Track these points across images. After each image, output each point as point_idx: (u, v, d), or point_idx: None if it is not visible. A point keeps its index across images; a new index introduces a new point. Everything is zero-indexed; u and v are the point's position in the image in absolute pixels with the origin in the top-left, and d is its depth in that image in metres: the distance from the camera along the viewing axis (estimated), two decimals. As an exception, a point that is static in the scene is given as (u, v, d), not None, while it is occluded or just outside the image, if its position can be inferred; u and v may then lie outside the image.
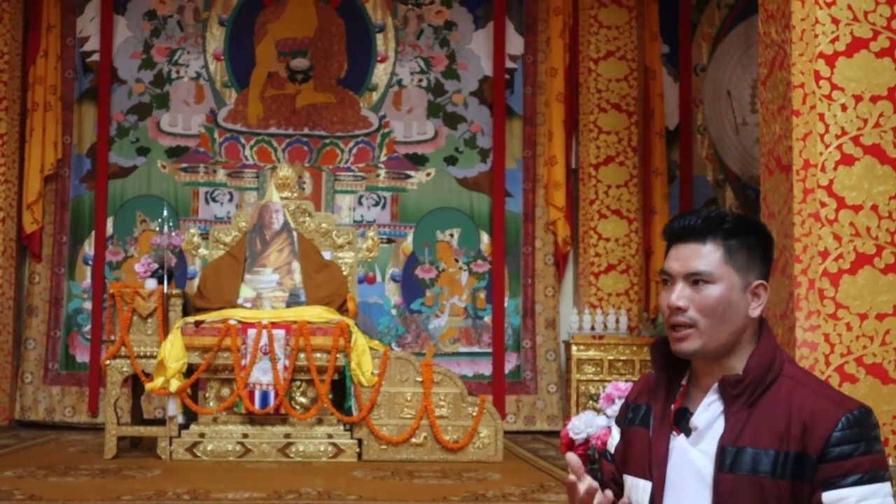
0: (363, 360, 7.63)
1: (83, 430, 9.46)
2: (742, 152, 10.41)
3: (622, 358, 9.40)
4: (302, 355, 7.57)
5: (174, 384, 7.45)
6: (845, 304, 5.09)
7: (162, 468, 7.07)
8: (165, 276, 7.92)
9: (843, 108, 5.16)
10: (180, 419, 7.65)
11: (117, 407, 7.67)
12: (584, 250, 10.08)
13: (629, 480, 2.15)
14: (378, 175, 10.35)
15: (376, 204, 10.31)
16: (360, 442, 7.62)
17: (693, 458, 2.04)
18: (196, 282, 9.00)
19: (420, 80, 10.50)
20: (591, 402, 8.86)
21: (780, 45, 5.37)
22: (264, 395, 7.52)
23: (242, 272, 8.20)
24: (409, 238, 10.28)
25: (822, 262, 5.10)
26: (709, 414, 2.05)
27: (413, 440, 7.61)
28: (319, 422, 7.67)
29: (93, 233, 10.06)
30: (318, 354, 7.59)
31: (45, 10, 10.07)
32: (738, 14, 10.44)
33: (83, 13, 10.31)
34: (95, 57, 10.27)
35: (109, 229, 10.12)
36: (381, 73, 10.51)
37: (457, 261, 10.29)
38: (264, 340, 7.52)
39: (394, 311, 10.18)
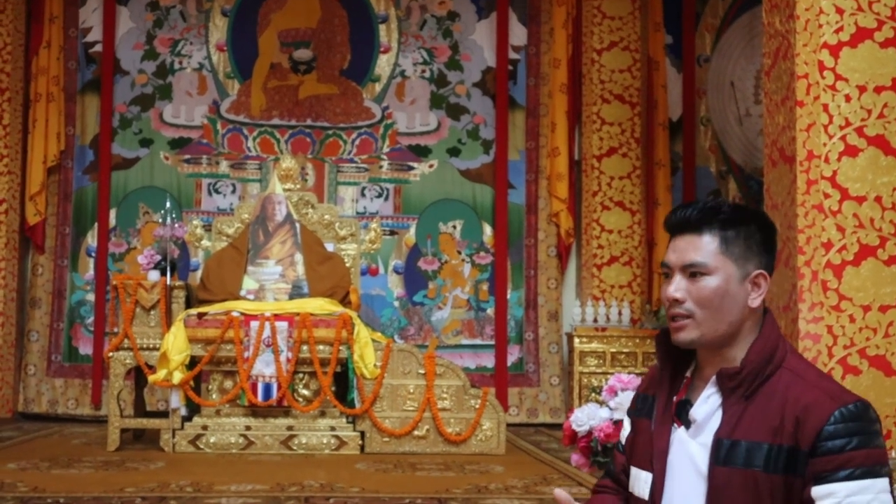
0: (366, 353, 7.62)
1: (86, 423, 9.47)
2: (745, 143, 10.39)
3: (625, 350, 9.39)
4: (305, 347, 7.56)
5: (177, 376, 7.45)
6: (848, 295, 5.07)
7: (165, 460, 7.07)
8: (168, 268, 7.91)
9: (847, 98, 5.14)
10: (183, 411, 7.65)
11: (120, 399, 7.68)
12: (586, 242, 10.06)
13: (633, 472, 2.16)
14: (381, 166, 10.34)
15: (379, 195, 10.30)
16: (362, 434, 7.62)
17: (691, 450, 2.04)
18: (199, 274, 9.00)
19: (423, 71, 10.48)
20: (593, 394, 8.86)
21: (784, 35, 5.34)
22: (267, 388, 7.52)
23: (245, 264, 8.19)
24: (412, 230, 10.27)
25: (826, 254, 5.08)
26: (707, 406, 2.04)
27: (416, 433, 7.61)
28: (322, 414, 7.67)
29: (96, 224, 10.06)
30: (321, 347, 7.59)
31: (47, 0, 10.06)
32: (742, 5, 10.41)
33: (86, 4, 10.30)
34: (98, 48, 10.26)
35: (112, 221, 10.11)
36: (383, 64, 10.48)
37: (459, 253, 10.27)
38: (267, 332, 7.52)
39: (396, 304, 10.18)
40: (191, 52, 10.40)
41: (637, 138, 10.09)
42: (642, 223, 10.02)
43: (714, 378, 2.05)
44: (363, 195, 10.29)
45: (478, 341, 10.12)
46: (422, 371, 7.69)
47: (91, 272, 10.04)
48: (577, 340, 9.43)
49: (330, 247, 8.45)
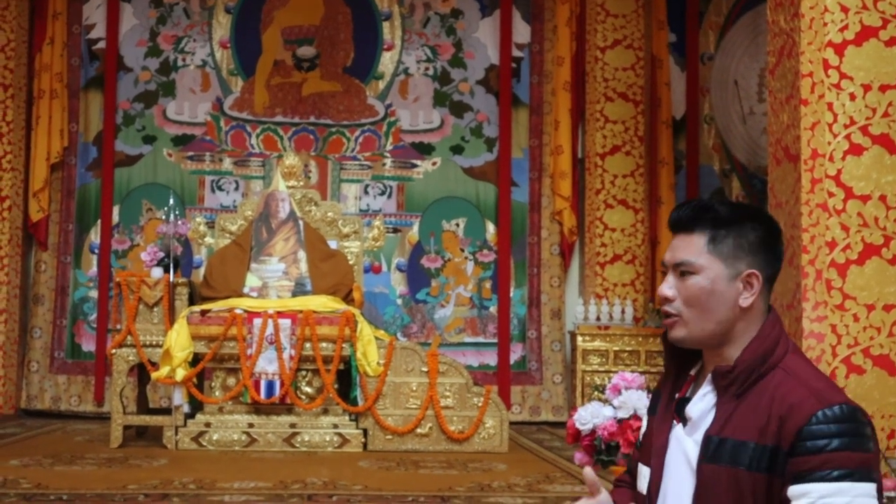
0: (369, 350, 7.62)
1: (89, 419, 9.47)
2: (749, 142, 10.37)
3: (627, 348, 9.39)
4: (307, 345, 7.56)
5: (180, 373, 7.46)
6: (853, 294, 5.07)
7: (168, 457, 7.08)
8: (171, 265, 7.92)
9: (852, 97, 5.13)
10: (186, 408, 7.65)
11: (123, 396, 7.68)
12: (589, 240, 10.05)
13: (640, 468, 2.18)
14: (384, 164, 10.33)
15: (382, 193, 10.29)
16: (365, 432, 7.62)
17: (686, 447, 2.06)
18: (202, 271, 9.00)
19: (426, 69, 10.47)
20: (596, 392, 8.86)
21: (789, 33, 5.34)
22: (270, 385, 7.52)
23: (248, 261, 8.19)
24: (415, 227, 10.26)
25: (830, 253, 5.08)
26: (703, 404, 2.06)
27: (418, 430, 7.61)
28: (325, 412, 7.67)
29: (99, 221, 10.06)
30: (324, 344, 7.59)
31: (51, -3, 10.07)
32: (746, 3, 10.39)
33: (89, 0, 10.29)
34: (101, 44, 10.26)
35: (115, 218, 10.11)
36: (387, 62, 10.48)
37: (462, 250, 10.27)
38: (270, 330, 7.52)
39: (399, 301, 10.17)
40: (194, 48, 10.39)
41: (640, 136, 10.08)
42: (645, 221, 10.01)
43: (710, 376, 2.07)
44: (366, 192, 10.28)
45: (480, 339, 10.12)
46: (425, 369, 7.68)
47: (94, 269, 10.04)
48: (579, 339, 9.42)
49: (333, 244, 8.45)
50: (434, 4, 10.53)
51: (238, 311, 7.62)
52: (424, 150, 10.36)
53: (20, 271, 9.89)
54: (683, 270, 2.06)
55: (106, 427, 7.97)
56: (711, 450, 1.98)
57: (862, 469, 1.88)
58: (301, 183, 8.72)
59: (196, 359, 7.61)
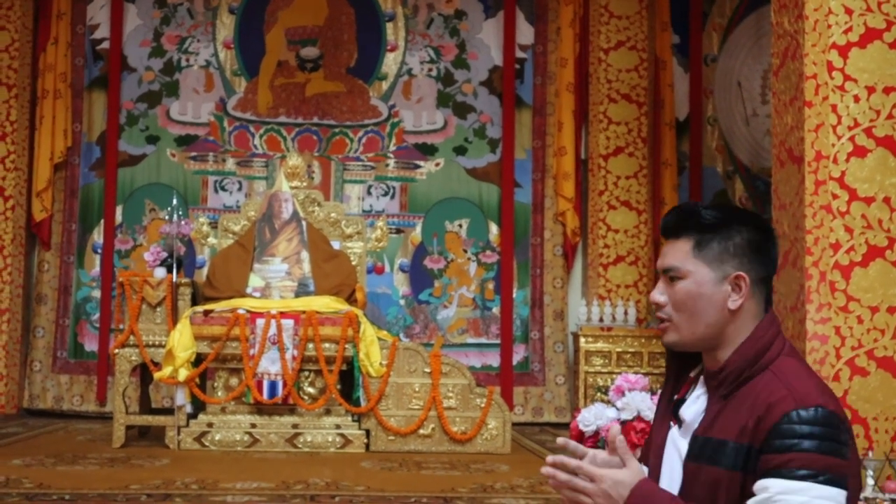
0: (371, 351, 7.62)
1: (91, 419, 9.47)
2: (752, 143, 10.37)
3: (630, 350, 9.38)
4: (310, 345, 7.56)
5: (182, 373, 7.46)
6: (856, 296, 5.06)
7: (170, 457, 7.08)
8: (174, 265, 7.92)
9: (856, 99, 5.13)
10: (188, 409, 7.65)
11: (125, 396, 7.68)
12: (592, 241, 10.04)
13: (643, 469, 2.18)
14: (387, 165, 10.33)
15: (385, 194, 10.29)
16: (367, 432, 7.62)
17: (681, 448, 2.09)
18: (205, 271, 9.01)
19: (430, 70, 10.46)
20: (598, 394, 8.85)
21: (793, 35, 5.33)
22: (272, 385, 7.52)
23: (251, 261, 8.20)
24: (418, 228, 10.26)
25: (834, 255, 5.07)
26: (696, 406, 2.09)
27: (421, 431, 7.61)
28: (327, 412, 7.67)
29: (102, 221, 10.06)
30: (327, 345, 7.58)
31: (55, -3, 10.08)
32: (749, 4, 10.39)
33: (93, 1, 10.29)
34: (105, 44, 10.26)
35: (118, 218, 10.11)
36: (390, 63, 10.48)
37: (465, 251, 10.26)
38: (273, 330, 7.52)
39: (402, 302, 10.17)
40: (198, 49, 10.39)
41: (644, 138, 10.08)
42: (648, 223, 10.00)
43: (702, 379, 2.10)
44: (369, 193, 10.28)
45: (483, 340, 10.12)
46: (427, 370, 7.68)
47: (97, 269, 10.04)
48: (582, 340, 9.41)
49: (336, 245, 8.45)
50: (437, 5, 10.52)
51: (241, 312, 7.62)
52: (428, 150, 10.35)
53: (23, 271, 9.89)
54: (672, 276, 2.09)
55: (108, 427, 7.97)
56: (696, 449, 2.02)
57: (829, 473, 1.86)
58: (304, 183, 8.73)
59: (199, 359, 7.61)
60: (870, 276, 5.06)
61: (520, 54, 10.40)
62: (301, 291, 8.07)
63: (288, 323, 7.56)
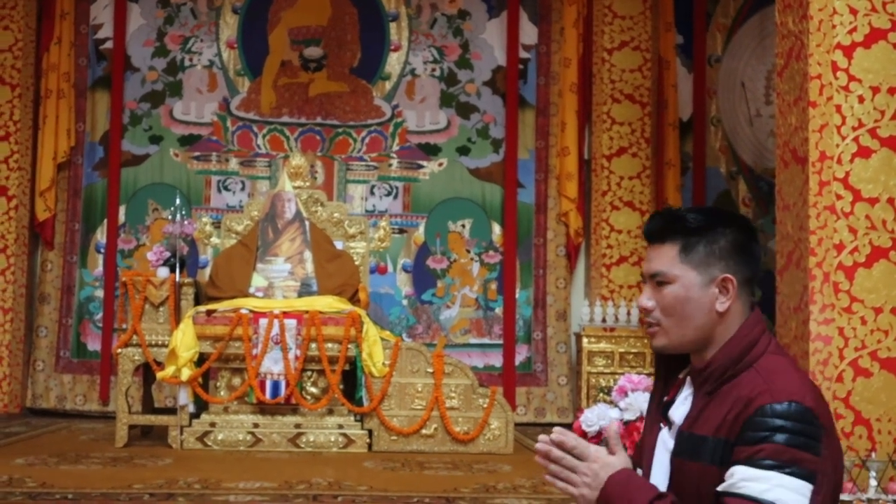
0: (374, 351, 7.62)
1: (94, 419, 9.48)
2: (756, 144, 10.36)
3: (633, 350, 9.37)
4: (313, 345, 7.56)
5: (185, 373, 7.46)
6: (860, 297, 5.05)
7: (173, 457, 7.08)
8: (177, 265, 7.92)
9: (860, 99, 5.12)
10: (191, 408, 7.65)
11: (128, 395, 7.68)
12: (595, 242, 10.04)
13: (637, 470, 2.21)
14: (390, 165, 10.33)
15: (388, 194, 10.29)
16: (370, 432, 7.61)
17: (669, 446, 2.12)
18: (208, 271, 9.00)
19: (433, 70, 10.46)
20: (601, 394, 8.84)
21: (798, 35, 5.32)
22: (275, 385, 7.52)
23: (254, 261, 8.20)
24: (421, 228, 10.26)
25: (838, 256, 5.06)
26: (684, 407, 2.11)
27: (423, 431, 7.60)
28: (330, 412, 7.66)
29: (105, 221, 10.07)
30: (330, 344, 7.58)
31: (58, -3, 10.08)
32: (753, 5, 10.38)
33: (97, 0, 10.30)
34: (109, 44, 10.27)
35: (122, 217, 10.12)
36: (394, 63, 10.47)
37: (468, 251, 10.26)
38: (276, 330, 7.51)
39: (405, 302, 10.17)
40: (201, 49, 10.40)
41: (647, 138, 10.07)
42: (652, 223, 9.97)
43: (689, 379, 2.13)
44: (372, 193, 10.28)
45: (486, 340, 10.11)
46: (430, 370, 7.68)
47: (100, 268, 10.04)
48: (585, 340, 9.41)
49: (339, 245, 8.45)
50: (441, 5, 10.52)
51: (244, 311, 7.62)
52: (431, 150, 10.35)
53: (26, 270, 9.90)
54: (659, 281, 2.11)
55: (111, 426, 7.98)
56: (682, 445, 2.05)
57: (796, 466, 1.88)
58: (307, 183, 8.72)
59: (201, 358, 7.61)
60: (873, 277, 5.05)
61: (523, 54, 10.40)
62: (304, 291, 8.07)
63: (291, 323, 7.55)
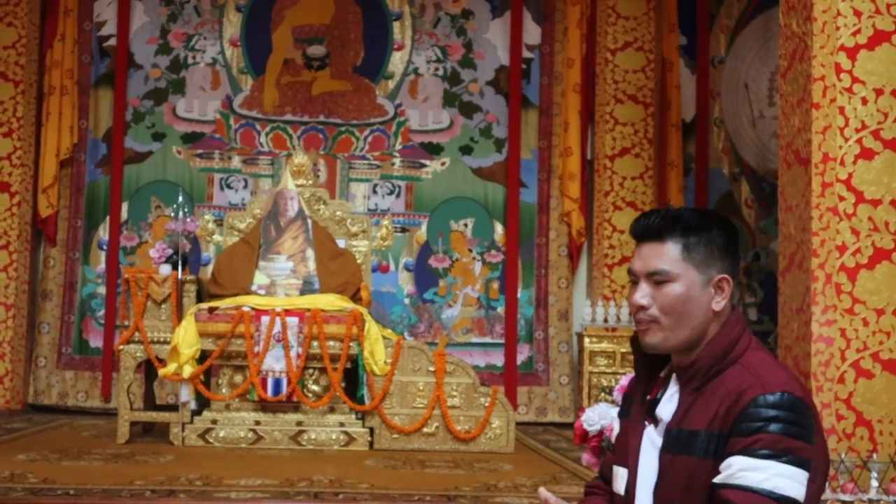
0: (376, 349, 7.62)
1: (96, 415, 9.48)
2: (758, 145, 10.36)
3: (635, 350, 9.36)
4: (315, 343, 7.56)
5: (187, 370, 7.46)
6: (862, 299, 5.05)
7: (174, 454, 7.09)
8: (180, 262, 7.92)
9: (864, 101, 5.12)
10: (193, 405, 7.66)
11: (130, 392, 7.69)
12: (598, 242, 10.05)
13: (615, 469, 2.25)
14: (393, 164, 10.34)
15: (391, 192, 10.29)
16: (371, 431, 7.62)
17: (656, 443, 2.13)
18: (210, 268, 9.01)
19: (436, 69, 10.47)
20: (602, 394, 8.84)
21: (801, 37, 5.33)
22: (277, 383, 7.53)
23: (256, 259, 8.21)
24: (423, 227, 10.27)
25: (840, 257, 5.06)
26: (671, 405, 2.13)
27: (425, 430, 7.61)
28: (331, 410, 7.67)
29: (107, 218, 10.08)
30: (331, 343, 7.58)
31: (62, -6, 10.09)
32: (757, 6, 10.38)
33: (100, -2, 10.32)
34: (112, 41, 10.28)
35: (124, 214, 10.13)
36: (397, 62, 10.48)
37: (470, 251, 10.27)
38: (277, 328, 7.52)
39: (407, 301, 10.18)
40: (204, 46, 10.40)
41: (650, 139, 10.08)
42: (654, 224, 9.97)
43: (674, 377, 2.15)
44: (375, 192, 10.29)
45: (488, 339, 10.12)
46: (432, 368, 7.69)
47: (102, 265, 10.06)
48: (586, 340, 9.41)
49: (341, 243, 8.46)
50: (444, 5, 10.53)
51: (246, 309, 7.63)
52: (433, 150, 10.36)
53: (28, 267, 9.91)
54: (659, 279, 2.11)
55: (113, 423, 7.99)
56: (671, 441, 2.07)
57: (792, 454, 1.92)
58: (310, 182, 8.73)
59: (203, 356, 7.62)
60: (876, 279, 5.06)
61: (526, 54, 10.40)
62: (306, 289, 8.08)
63: (293, 321, 7.56)
